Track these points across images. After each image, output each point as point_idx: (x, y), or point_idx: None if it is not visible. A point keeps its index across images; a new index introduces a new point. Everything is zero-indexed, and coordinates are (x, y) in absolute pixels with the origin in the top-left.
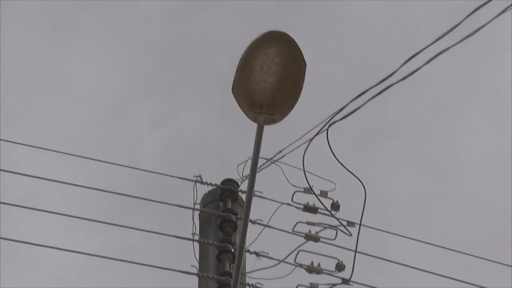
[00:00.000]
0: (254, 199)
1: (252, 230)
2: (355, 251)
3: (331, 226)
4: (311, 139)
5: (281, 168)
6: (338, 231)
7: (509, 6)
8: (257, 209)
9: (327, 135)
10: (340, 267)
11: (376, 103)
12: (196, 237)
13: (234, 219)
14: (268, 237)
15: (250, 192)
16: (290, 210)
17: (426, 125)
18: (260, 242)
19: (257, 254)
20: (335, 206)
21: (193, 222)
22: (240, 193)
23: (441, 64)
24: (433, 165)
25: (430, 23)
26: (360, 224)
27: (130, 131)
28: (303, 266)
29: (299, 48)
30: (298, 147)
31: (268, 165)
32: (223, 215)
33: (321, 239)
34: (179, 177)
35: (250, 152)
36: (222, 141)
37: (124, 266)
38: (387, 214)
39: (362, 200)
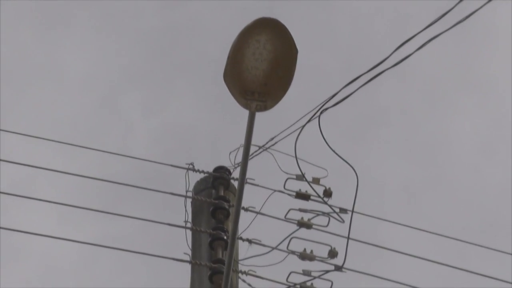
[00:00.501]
0: (246, 186)
1: (244, 218)
2: (348, 238)
3: (323, 213)
4: (303, 126)
5: (273, 155)
6: (331, 218)
7: None
8: (250, 197)
9: (319, 122)
10: (332, 253)
11: (367, 90)
12: (189, 225)
13: (227, 207)
14: (261, 224)
15: (242, 179)
16: (283, 197)
17: (417, 112)
18: (253, 229)
19: (249, 241)
20: (328, 193)
21: (186, 210)
22: (232, 181)
23: (432, 51)
24: (424, 152)
25: (421, 10)
26: (352, 211)
27: (122, 120)
28: (296, 253)
29: (291, 35)
30: (290, 134)
31: (260, 152)
32: (216, 203)
33: (313, 226)
34: (171, 165)
35: (242, 140)
36: (214, 129)
37: (117, 255)
38: (379, 201)
39: (354, 187)
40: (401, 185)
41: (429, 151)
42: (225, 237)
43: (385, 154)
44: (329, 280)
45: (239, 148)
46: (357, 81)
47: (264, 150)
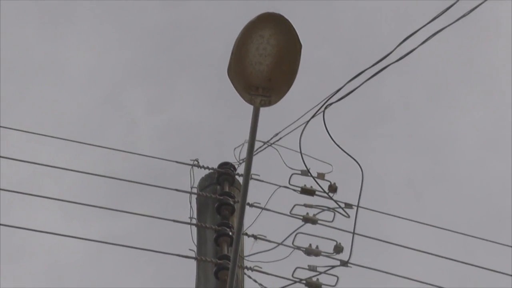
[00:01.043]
0: (251, 182)
1: (249, 213)
2: (353, 233)
3: (328, 208)
4: (308, 121)
5: (278, 151)
6: (336, 213)
7: None
8: (255, 192)
9: (324, 117)
10: (338, 249)
11: (371, 85)
12: (194, 221)
13: (232, 203)
14: (266, 220)
15: (247, 175)
16: (288, 193)
17: (421, 107)
18: (258, 225)
19: (255, 237)
20: (333, 188)
21: (191, 206)
22: (237, 176)
23: (435, 46)
24: (428, 147)
25: (424, 5)
26: (357, 206)
27: (126, 118)
28: (301, 249)
29: (294, 30)
30: (294, 129)
31: (265, 148)
32: (221, 199)
33: (319, 221)
34: (176, 161)
35: (246, 136)
36: (218, 125)
37: (122, 252)
38: (383, 196)
39: (359, 181)
40: (405, 180)
41: (433, 145)
42: (230, 233)
43: (389, 149)
44: (335, 276)
45: (243, 144)
46: (361, 76)
47: (268, 145)
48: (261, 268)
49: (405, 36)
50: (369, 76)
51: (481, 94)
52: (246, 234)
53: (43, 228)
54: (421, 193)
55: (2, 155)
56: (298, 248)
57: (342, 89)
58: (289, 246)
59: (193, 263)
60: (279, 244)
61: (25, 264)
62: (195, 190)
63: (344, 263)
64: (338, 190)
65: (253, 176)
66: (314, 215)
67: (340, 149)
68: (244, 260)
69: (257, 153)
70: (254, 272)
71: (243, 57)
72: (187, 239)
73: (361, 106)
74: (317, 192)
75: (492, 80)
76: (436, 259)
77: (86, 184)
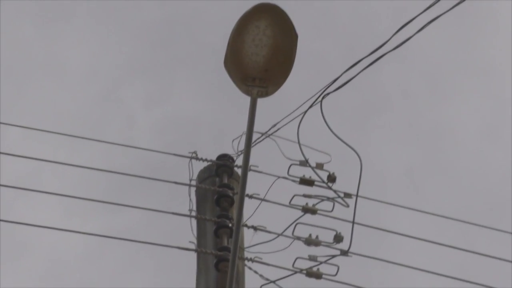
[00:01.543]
0: (250, 173)
1: (249, 205)
2: (353, 222)
3: (328, 198)
4: (305, 112)
5: (276, 142)
6: (335, 202)
7: None
8: (254, 184)
9: (321, 107)
10: (338, 238)
11: (369, 75)
12: (193, 213)
13: (231, 194)
14: (265, 211)
15: (246, 166)
16: (287, 184)
17: (419, 97)
18: (258, 216)
19: (254, 228)
20: (332, 178)
21: (190, 199)
22: (235, 168)
23: (433, 35)
24: (427, 137)
25: None
26: (357, 195)
27: (124, 112)
28: (301, 239)
29: (290, 20)
30: (292, 120)
31: (263, 139)
32: (220, 191)
33: (318, 212)
34: (174, 154)
35: (244, 127)
36: (216, 118)
37: (123, 246)
38: (382, 186)
39: (358, 171)
40: (404, 170)
41: (431, 135)
42: (230, 225)
43: (387, 139)
44: (335, 265)
45: (242, 135)
46: (358, 65)
47: (266, 136)
48: (261, 259)
49: (401, 24)
50: (366, 65)
51: (479, 83)
52: (246, 225)
53: (43, 224)
54: (420, 183)
55: (2, 151)
56: (298, 238)
57: (340, 79)
58: (289, 237)
59: (194, 255)
60: (279, 234)
61: (26, 260)
62: (194, 183)
63: (344, 253)
64: (337, 180)
65: (252, 168)
66: (314, 205)
67: (338, 139)
68: (245, 252)
69: (255, 144)
70: (254, 263)
71: (239, 48)
72: (187, 232)
73: (359, 96)
74: (316, 182)
75: (491, 69)
76: (436, 247)
77: (86, 180)
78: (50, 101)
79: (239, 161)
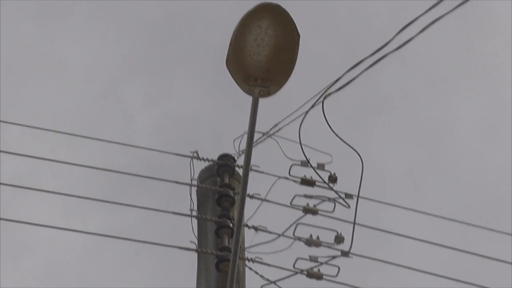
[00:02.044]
0: (251, 173)
1: (250, 205)
2: (354, 223)
3: (329, 199)
4: (307, 112)
5: (277, 142)
6: (336, 203)
7: None
8: (255, 184)
9: (323, 108)
10: (339, 239)
11: (369, 75)
12: (194, 213)
13: (232, 194)
14: (266, 211)
15: (247, 166)
16: (288, 184)
17: (419, 96)
18: (258, 216)
19: (255, 228)
20: (333, 179)
21: (191, 198)
22: (237, 168)
23: (433, 35)
24: (427, 137)
25: None
26: (358, 196)
27: (124, 111)
28: (302, 239)
29: (292, 20)
30: (293, 120)
31: (264, 139)
32: (221, 190)
33: (319, 212)
34: (175, 154)
35: (244, 127)
36: (216, 117)
37: (122, 246)
38: (382, 186)
39: (359, 172)
40: (404, 170)
41: (432, 135)
42: (231, 225)
43: (388, 139)
44: (336, 266)
45: (243, 135)
46: (359, 65)
47: (268, 136)
48: (262, 259)
49: (402, 25)
50: (367, 66)
51: (479, 82)
52: (247, 225)
53: (43, 223)
54: (421, 183)
55: (1, 149)
56: (299, 238)
57: (341, 79)
58: (290, 237)
59: (194, 255)
60: (280, 235)
61: (25, 259)
62: (195, 182)
63: (345, 254)
64: (338, 180)
65: (253, 168)
66: (315, 205)
67: (339, 139)
68: (245, 252)
69: (256, 144)
70: (255, 263)
71: (241, 47)
72: (187, 232)
73: (360, 95)
74: (317, 183)
75: (491, 69)
76: (437, 248)
77: (85, 178)
78: (49, 99)
79: (240, 161)
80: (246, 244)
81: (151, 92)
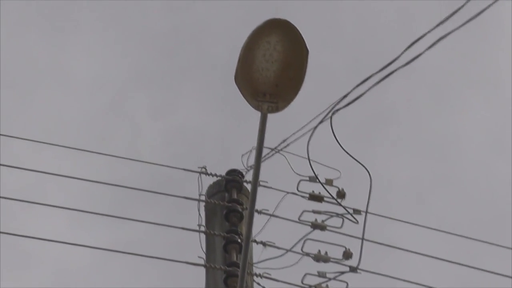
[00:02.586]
0: (259, 189)
1: (258, 220)
2: (362, 239)
3: (337, 214)
4: (315, 128)
5: (286, 157)
6: (345, 219)
7: None
8: (263, 199)
9: (331, 123)
10: (347, 255)
11: (376, 89)
12: (202, 228)
13: (240, 210)
14: (275, 226)
15: (255, 182)
16: (296, 199)
17: (425, 110)
18: (267, 232)
19: (264, 244)
20: (341, 194)
21: (199, 214)
22: (245, 183)
23: (439, 48)
24: (433, 150)
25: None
26: (366, 212)
27: (130, 123)
28: (310, 255)
29: (301, 35)
30: (302, 135)
31: (273, 155)
32: (229, 206)
33: (327, 228)
34: (183, 169)
35: (252, 142)
36: (223, 130)
37: (130, 260)
38: (389, 200)
39: (367, 187)
40: (411, 183)
41: (438, 148)
42: (239, 240)
43: (394, 152)
44: (344, 282)
45: (251, 150)
46: (367, 81)
47: (276, 152)
48: (270, 274)
49: (410, 39)
50: (375, 81)
51: (485, 96)
52: (255, 241)
53: (49, 236)
54: (427, 196)
55: (7, 163)
56: (307, 254)
57: (349, 95)
58: (298, 253)
59: (202, 270)
60: (288, 250)
61: (31, 271)
62: (203, 198)
63: (353, 269)
64: (347, 195)
65: (261, 183)
66: (323, 221)
67: (348, 155)
68: (253, 267)
69: (264, 159)
70: (263, 279)
71: (250, 63)
72: (195, 247)
73: (366, 110)
74: (325, 198)
75: (496, 82)
76: (444, 263)
77: (92, 191)
78: (56, 111)
79: (248, 176)
80: (254, 260)
81: (158, 104)
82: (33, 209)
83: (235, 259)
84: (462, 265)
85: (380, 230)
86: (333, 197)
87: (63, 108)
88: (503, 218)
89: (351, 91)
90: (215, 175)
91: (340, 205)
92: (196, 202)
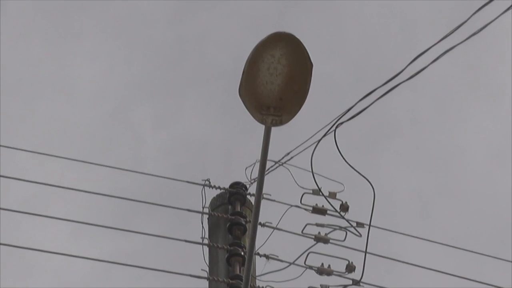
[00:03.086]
0: (262, 201)
1: (261, 233)
2: (365, 252)
3: (340, 227)
4: (319, 141)
5: (289, 170)
6: (348, 232)
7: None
8: (266, 212)
9: (335, 137)
10: (350, 268)
11: (380, 102)
12: (206, 241)
13: (243, 222)
14: (278, 239)
15: (259, 194)
16: (299, 212)
17: (429, 122)
18: (270, 244)
19: (267, 256)
20: (344, 207)
21: (202, 226)
22: (248, 196)
23: (443, 61)
24: (437, 162)
25: (430, 20)
26: (369, 225)
27: (133, 134)
28: (313, 268)
29: (305, 49)
30: (306, 148)
31: (276, 168)
32: (232, 218)
33: (330, 241)
34: (187, 181)
35: (255, 154)
36: (226, 141)
37: (132, 272)
38: (392, 212)
39: (370, 200)
40: (414, 195)
41: (442, 161)
42: (242, 253)
43: (398, 165)
44: None
45: (255, 163)
46: (371, 94)
47: (280, 165)
48: (273, 287)
49: (413, 52)
50: (379, 95)
51: (488, 108)
52: (258, 253)
53: (51, 247)
54: (430, 208)
55: (8, 174)
56: (310, 267)
57: (353, 108)
58: (301, 266)
59: (205, 283)
60: (291, 263)
61: (33, 282)
62: (206, 210)
63: (356, 282)
64: (350, 208)
65: (265, 196)
66: (326, 234)
67: (351, 168)
68: (257, 280)
69: (268, 172)
70: None
71: (254, 76)
72: (198, 259)
73: (370, 122)
74: (328, 211)
75: (499, 94)
76: (448, 277)
77: (95, 202)
78: (58, 121)
79: (251, 189)
80: (258, 272)
81: (161, 114)
82: (36, 218)
83: (238, 272)
84: (466, 278)
85: (383, 243)
86: (336, 210)
87: (66, 117)
88: (507, 230)
89: (355, 104)
90: (219, 187)
91: (343, 218)
92: (200, 214)
